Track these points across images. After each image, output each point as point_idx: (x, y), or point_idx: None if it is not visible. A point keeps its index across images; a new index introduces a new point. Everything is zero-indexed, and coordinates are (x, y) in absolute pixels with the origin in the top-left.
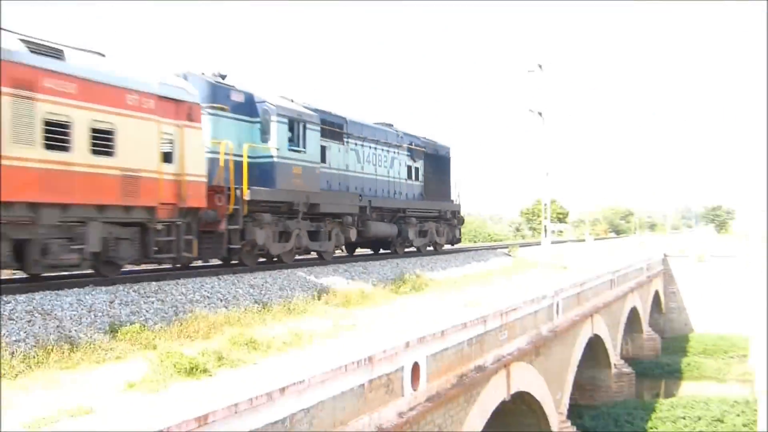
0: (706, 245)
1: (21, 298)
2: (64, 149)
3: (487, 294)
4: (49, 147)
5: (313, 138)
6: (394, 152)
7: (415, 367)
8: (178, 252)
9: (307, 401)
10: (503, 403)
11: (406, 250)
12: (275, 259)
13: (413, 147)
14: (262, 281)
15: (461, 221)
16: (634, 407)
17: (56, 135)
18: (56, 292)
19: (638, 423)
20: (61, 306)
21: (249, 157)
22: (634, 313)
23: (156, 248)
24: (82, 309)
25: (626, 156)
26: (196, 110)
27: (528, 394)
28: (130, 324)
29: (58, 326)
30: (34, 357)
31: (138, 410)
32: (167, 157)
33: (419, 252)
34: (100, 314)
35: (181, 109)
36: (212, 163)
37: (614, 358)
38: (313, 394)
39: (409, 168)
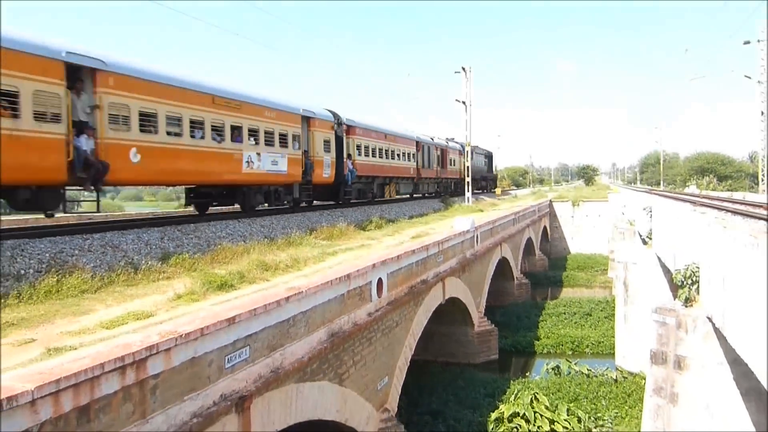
0: (578, 194)
1: (96, 236)
2: (454, 165)
3: (428, 230)
4: (445, 164)
5: (477, 155)
6: (484, 157)
7: (379, 282)
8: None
9: (305, 306)
10: (440, 305)
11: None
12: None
13: (486, 155)
14: (269, 222)
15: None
16: (530, 306)
17: (450, 161)
18: (121, 231)
19: (533, 317)
20: (125, 241)
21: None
22: (529, 242)
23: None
24: (141, 243)
25: (523, 129)
26: (460, 152)
27: (457, 298)
28: (177, 254)
29: (124, 256)
30: (107, 278)
31: (185, 313)
32: (458, 165)
33: (404, 199)
34: (154, 247)
35: (460, 153)
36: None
37: (516, 273)
38: (308, 301)
39: (485, 162)
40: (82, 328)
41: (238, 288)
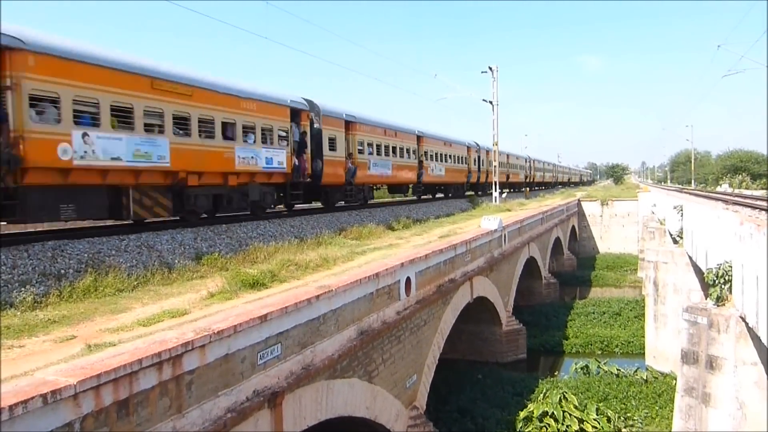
0: (607, 192)
1: (132, 237)
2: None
3: (456, 229)
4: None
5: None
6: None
7: (408, 281)
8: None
9: (335, 304)
10: (468, 304)
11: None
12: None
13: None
14: (299, 223)
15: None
16: (558, 306)
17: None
18: (156, 232)
19: (561, 317)
20: (160, 242)
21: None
22: (557, 241)
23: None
24: (175, 243)
25: (551, 128)
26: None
27: (485, 298)
28: (210, 254)
29: (158, 256)
30: (143, 277)
31: (218, 311)
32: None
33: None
34: (188, 247)
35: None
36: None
37: (544, 272)
38: (338, 299)
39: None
40: (120, 326)
41: (270, 287)
